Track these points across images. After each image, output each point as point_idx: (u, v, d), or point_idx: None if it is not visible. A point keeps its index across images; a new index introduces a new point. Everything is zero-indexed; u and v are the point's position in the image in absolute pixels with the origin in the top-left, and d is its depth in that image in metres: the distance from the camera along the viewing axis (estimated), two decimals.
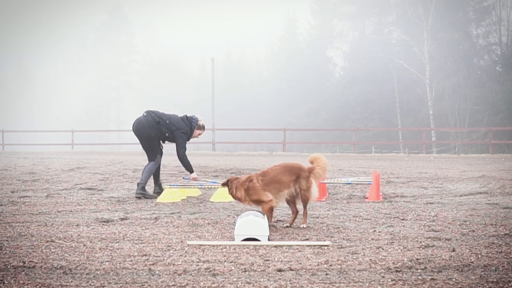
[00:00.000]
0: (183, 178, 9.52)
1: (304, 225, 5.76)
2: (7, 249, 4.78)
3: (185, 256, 4.48)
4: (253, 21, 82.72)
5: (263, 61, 66.69)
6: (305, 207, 5.82)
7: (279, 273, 3.96)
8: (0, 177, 11.62)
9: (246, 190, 5.73)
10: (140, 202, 7.96)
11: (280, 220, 6.19)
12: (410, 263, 4.19)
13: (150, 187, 9.00)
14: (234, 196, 5.89)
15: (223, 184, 6.05)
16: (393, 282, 3.71)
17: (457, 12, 42.97)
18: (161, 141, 8.87)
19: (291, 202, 5.83)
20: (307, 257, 4.42)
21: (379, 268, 4.05)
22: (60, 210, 7.11)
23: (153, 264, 4.21)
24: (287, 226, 5.77)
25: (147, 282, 3.74)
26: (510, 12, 42.53)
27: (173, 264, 4.20)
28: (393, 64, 45.34)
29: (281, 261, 4.29)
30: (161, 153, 8.91)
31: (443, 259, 4.28)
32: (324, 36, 53.69)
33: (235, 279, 3.80)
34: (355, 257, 4.38)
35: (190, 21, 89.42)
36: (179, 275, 3.92)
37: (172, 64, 70.09)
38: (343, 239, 5.14)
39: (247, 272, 3.98)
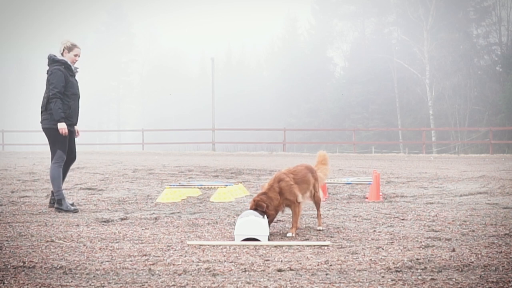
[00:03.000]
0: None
1: (321, 227, 5.58)
2: (7, 249, 4.78)
3: (185, 256, 4.48)
4: (253, 21, 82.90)
5: (263, 61, 66.77)
6: (318, 208, 5.70)
7: (279, 273, 3.96)
8: (0, 177, 11.62)
9: (280, 192, 5.25)
10: (140, 202, 7.96)
11: (280, 220, 6.19)
12: (410, 263, 4.19)
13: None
14: (273, 210, 5.22)
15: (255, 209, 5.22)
16: (393, 282, 3.71)
17: (457, 12, 42.98)
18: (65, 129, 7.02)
19: None
20: (307, 257, 4.42)
21: (379, 268, 4.05)
22: (60, 210, 7.11)
23: (153, 264, 4.21)
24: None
25: (147, 282, 3.74)
26: (510, 12, 42.53)
27: (173, 264, 4.20)
28: (393, 64, 45.35)
29: (281, 261, 4.29)
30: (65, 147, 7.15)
31: (443, 259, 4.28)
32: (324, 36, 53.73)
33: (235, 279, 3.80)
34: (355, 257, 4.38)
35: (190, 21, 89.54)
36: (179, 275, 3.92)
37: (172, 64, 70.14)
38: (343, 239, 5.14)
39: (247, 272, 3.98)
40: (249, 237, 5.00)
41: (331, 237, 5.23)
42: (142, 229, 5.70)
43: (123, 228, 5.80)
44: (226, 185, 8.59)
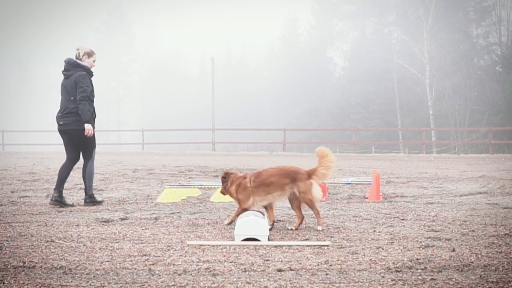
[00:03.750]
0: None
1: (320, 227, 5.58)
2: (7, 249, 4.78)
3: (185, 256, 4.48)
4: (253, 21, 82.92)
5: (263, 61, 66.78)
6: (312, 208, 5.66)
7: (279, 273, 3.96)
8: (0, 177, 11.62)
9: (237, 186, 5.80)
10: (140, 202, 7.96)
11: (280, 220, 6.19)
12: (410, 263, 4.19)
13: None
14: (227, 190, 5.89)
15: (222, 177, 5.97)
16: (393, 282, 3.71)
17: (457, 12, 42.98)
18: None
19: (294, 206, 5.72)
20: (307, 257, 4.42)
21: (379, 268, 4.05)
22: (60, 210, 7.11)
23: (153, 264, 4.21)
24: (291, 229, 5.61)
25: (147, 282, 3.74)
26: (510, 12, 42.53)
27: (173, 264, 4.20)
28: (393, 64, 45.34)
29: (281, 261, 4.29)
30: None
31: (443, 259, 4.28)
32: (324, 36, 53.74)
33: (235, 279, 3.80)
34: (355, 257, 4.38)
35: (190, 21, 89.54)
36: (179, 275, 3.92)
37: (172, 64, 70.14)
38: (343, 239, 5.14)
39: (247, 272, 3.98)
40: (249, 237, 5.00)
41: (331, 237, 5.23)
42: (142, 229, 5.70)
43: (123, 228, 5.81)
44: None
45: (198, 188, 8.80)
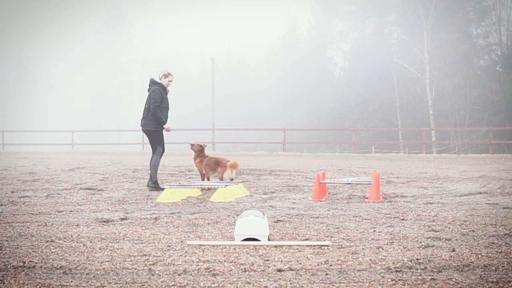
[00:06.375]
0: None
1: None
2: (7, 249, 4.78)
3: (185, 256, 4.49)
4: (253, 21, 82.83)
5: (263, 61, 66.71)
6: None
7: (279, 273, 3.96)
8: (0, 177, 11.62)
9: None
10: (140, 202, 7.96)
11: (280, 221, 6.20)
12: (410, 263, 4.19)
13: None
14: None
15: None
16: (393, 282, 3.71)
17: (457, 12, 42.96)
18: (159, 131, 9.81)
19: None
20: (307, 257, 4.42)
21: (379, 268, 4.05)
22: (60, 210, 7.11)
23: (153, 264, 4.21)
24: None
25: (147, 282, 3.74)
26: (510, 12, 42.52)
27: (173, 264, 4.21)
28: (393, 64, 45.32)
29: (281, 261, 4.29)
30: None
31: (443, 259, 4.28)
32: (324, 36, 53.71)
33: (235, 279, 3.80)
34: (355, 257, 4.39)
35: (190, 21, 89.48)
36: (179, 275, 3.92)
37: (172, 64, 70.06)
38: (343, 239, 5.14)
39: (247, 272, 3.98)
40: (249, 237, 5.00)
41: (331, 237, 5.23)
42: (142, 229, 5.71)
43: (123, 228, 5.81)
44: (226, 185, 8.60)
45: (198, 188, 8.80)
